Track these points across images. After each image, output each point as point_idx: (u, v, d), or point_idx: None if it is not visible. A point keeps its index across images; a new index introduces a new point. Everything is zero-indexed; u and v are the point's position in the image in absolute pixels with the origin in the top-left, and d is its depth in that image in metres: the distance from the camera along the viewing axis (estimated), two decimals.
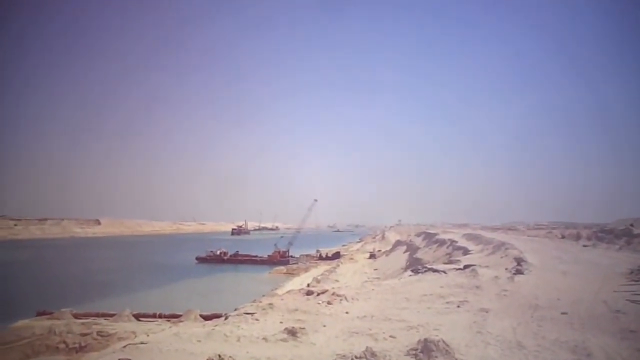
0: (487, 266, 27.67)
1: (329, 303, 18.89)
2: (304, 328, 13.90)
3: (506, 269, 25.97)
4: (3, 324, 32.87)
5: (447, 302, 17.91)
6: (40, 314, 36.60)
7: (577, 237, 55.22)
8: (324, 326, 14.99)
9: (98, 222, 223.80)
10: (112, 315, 35.95)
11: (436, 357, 9.87)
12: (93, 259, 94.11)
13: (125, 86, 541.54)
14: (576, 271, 25.00)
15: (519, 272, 24.08)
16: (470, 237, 59.38)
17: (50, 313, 36.31)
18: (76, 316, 35.94)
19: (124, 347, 14.76)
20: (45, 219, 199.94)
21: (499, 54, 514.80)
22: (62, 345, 30.36)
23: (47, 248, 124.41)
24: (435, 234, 77.90)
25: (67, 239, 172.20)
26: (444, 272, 26.57)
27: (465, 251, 43.65)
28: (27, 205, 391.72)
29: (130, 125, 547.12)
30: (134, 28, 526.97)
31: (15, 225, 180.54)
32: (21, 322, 33.94)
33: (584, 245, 44.90)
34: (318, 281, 52.05)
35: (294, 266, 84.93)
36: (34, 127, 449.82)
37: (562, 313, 14.48)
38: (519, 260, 27.98)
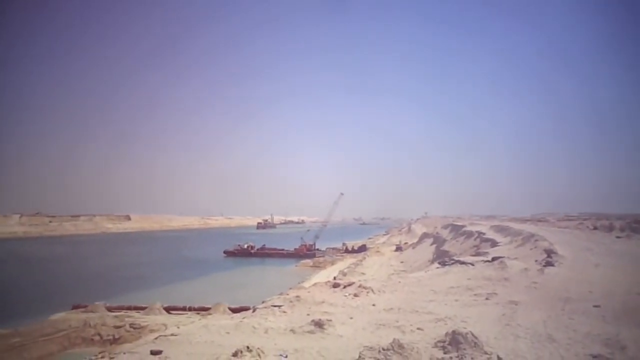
0: (516, 258, 27.25)
1: (355, 295, 18.95)
2: (331, 320, 13.98)
3: (536, 261, 25.54)
4: (41, 317, 34.08)
5: (475, 295, 17.74)
6: (75, 307, 37.73)
7: (610, 228, 53.83)
8: (351, 318, 15.05)
9: (128, 218, 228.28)
10: (143, 308, 36.81)
11: (464, 349, 9.79)
12: (124, 254, 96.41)
13: (152, 84, 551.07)
14: (609, 263, 24.40)
15: (549, 264, 23.65)
16: (498, 229, 58.48)
17: (85, 306, 37.39)
18: (109, 309, 36.95)
19: (156, 338, 15.15)
20: (78, 216, 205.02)
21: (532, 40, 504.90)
22: (96, 337, 31.35)
23: (81, 244, 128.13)
24: (463, 226, 76.96)
25: (99, 235, 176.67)
26: (472, 264, 26.29)
27: (494, 243, 43.01)
28: (61, 203, 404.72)
29: (158, 122, 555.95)
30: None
31: (50, 222, 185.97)
32: (58, 315, 35.09)
33: (617, 237, 43.73)
34: (344, 274, 52.12)
35: (321, 259, 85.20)
36: (65, 128, 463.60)
37: (595, 306, 14.17)
38: (549, 252, 27.45)
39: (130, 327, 32.30)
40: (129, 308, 37.45)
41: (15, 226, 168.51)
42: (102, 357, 16.06)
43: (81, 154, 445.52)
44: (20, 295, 45.81)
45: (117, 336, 31.24)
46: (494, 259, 26.91)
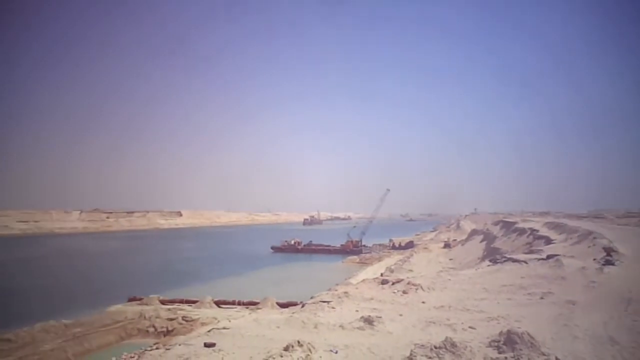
0: (572, 256, 26.17)
1: (404, 292, 18.80)
2: (380, 317, 13.93)
3: (594, 259, 24.44)
4: (100, 308, 35.85)
5: (529, 293, 17.21)
6: (131, 299, 39.42)
7: None
8: (401, 315, 14.95)
9: (180, 214, 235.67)
10: (195, 302, 37.99)
11: (520, 349, 9.51)
12: (176, 249, 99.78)
13: (194, 83, 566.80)
14: None
15: (608, 262, 22.58)
16: (552, 226, 56.28)
17: (140, 299, 39.00)
18: (163, 302, 38.36)
19: (209, 331, 15.60)
20: (133, 212, 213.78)
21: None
22: (151, 329, 32.68)
23: (136, 239, 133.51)
24: (514, 223, 74.57)
25: (152, 230, 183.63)
26: (525, 262, 25.49)
27: (548, 240, 41.47)
28: (117, 199, 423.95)
29: (207, 121, 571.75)
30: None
31: (107, 217, 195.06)
32: (115, 307, 36.79)
33: None
34: (392, 270, 51.78)
35: (367, 255, 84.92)
36: (121, 129, 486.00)
37: None
38: (609, 250, 26.16)
39: (183, 319, 33.44)
40: (181, 301, 38.73)
41: (75, 222, 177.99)
42: (157, 349, 16.71)
43: (137, 152, 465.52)
44: (82, 288, 48.47)
45: (170, 328, 32.42)
46: (548, 257, 25.98)
